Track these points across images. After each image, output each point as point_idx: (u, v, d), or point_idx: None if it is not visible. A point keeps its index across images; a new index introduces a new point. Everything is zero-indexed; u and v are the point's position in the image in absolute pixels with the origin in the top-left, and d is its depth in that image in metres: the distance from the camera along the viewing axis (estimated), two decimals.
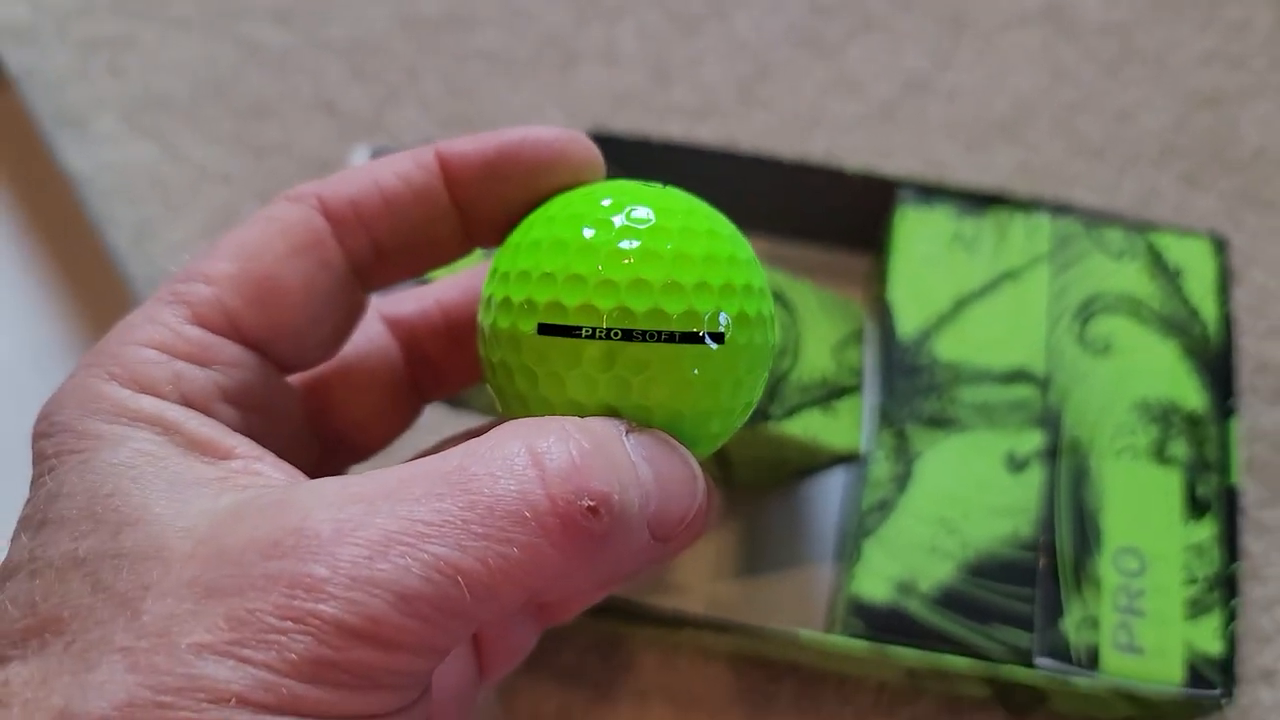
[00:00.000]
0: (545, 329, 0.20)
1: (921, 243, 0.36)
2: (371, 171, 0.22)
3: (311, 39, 0.46)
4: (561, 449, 0.18)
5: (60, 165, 0.43)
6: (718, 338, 0.20)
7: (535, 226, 0.22)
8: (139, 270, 0.42)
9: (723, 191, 0.39)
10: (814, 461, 0.34)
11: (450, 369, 0.26)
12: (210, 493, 0.18)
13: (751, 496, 0.36)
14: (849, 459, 0.33)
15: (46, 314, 0.42)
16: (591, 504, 0.18)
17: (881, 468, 0.32)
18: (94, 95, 0.45)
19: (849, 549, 0.32)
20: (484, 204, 0.22)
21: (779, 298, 0.34)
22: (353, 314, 0.23)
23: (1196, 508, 0.32)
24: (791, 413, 0.33)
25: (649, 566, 0.20)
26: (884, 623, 0.31)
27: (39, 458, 0.19)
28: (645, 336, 0.20)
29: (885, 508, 0.32)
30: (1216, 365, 0.34)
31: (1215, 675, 0.30)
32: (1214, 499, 0.32)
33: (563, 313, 0.20)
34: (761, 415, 0.32)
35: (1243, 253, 0.41)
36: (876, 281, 0.37)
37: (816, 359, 0.34)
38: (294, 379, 0.24)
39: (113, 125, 0.44)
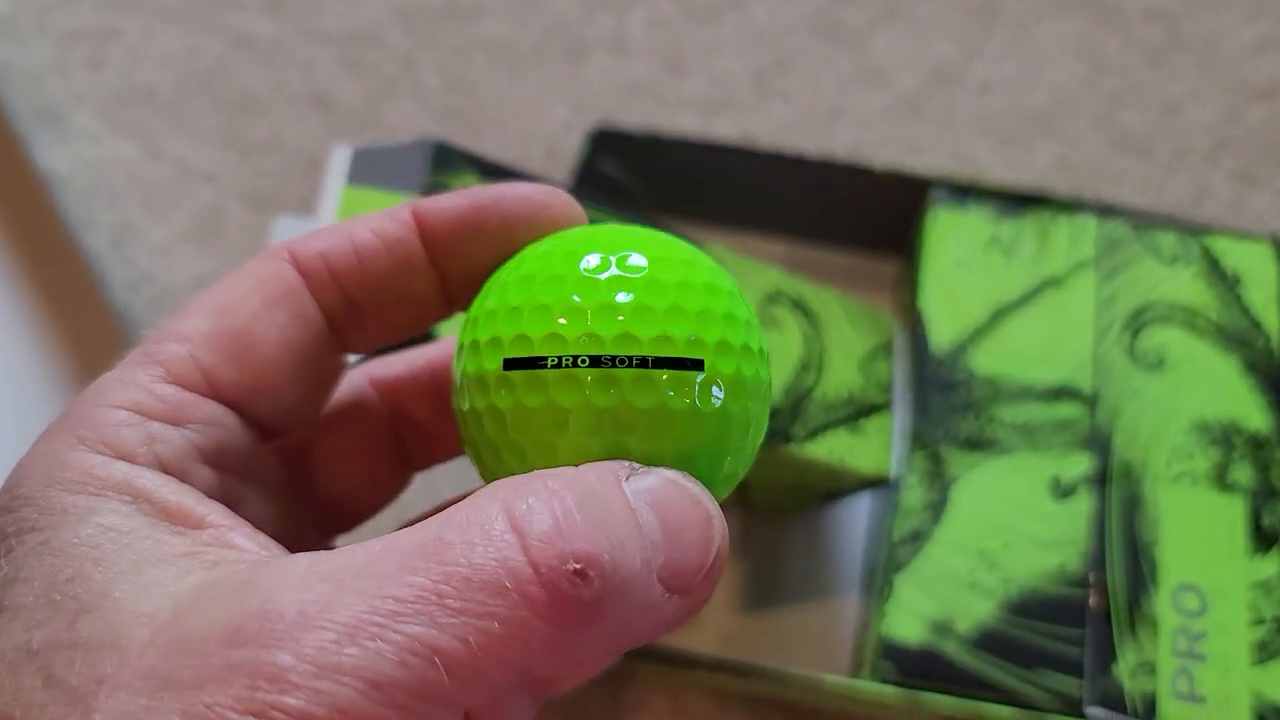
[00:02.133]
0: (511, 364, 0.19)
1: (956, 247, 0.33)
2: (346, 226, 0.22)
3: (302, 29, 0.43)
4: (542, 508, 0.16)
5: (36, 164, 0.41)
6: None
7: (521, 264, 0.20)
8: (118, 274, 0.39)
9: (740, 191, 0.37)
10: (839, 486, 0.31)
11: (441, 434, 0.25)
12: (176, 571, 0.17)
13: (771, 522, 0.33)
14: (878, 483, 0.31)
15: (20, 320, 0.40)
16: (578, 567, 0.16)
17: (914, 494, 0.30)
18: (72, 90, 0.42)
19: (878, 583, 0.30)
20: (461, 261, 0.21)
21: (800, 306, 0.31)
22: (330, 374, 0.23)
23: (1263, 539, 0.29)
24: (815, 433, 0.30)
25: (671, 625, 0.18)
26: (917, 667, 0.28)
27: (0, 536, 0.18)
28: (630, 362, 0.18)
29: (918, 538, 0.29)
30: None
31: None
32: None
33: (528, 344, 0.19)
34: (783, 436, 0.30)
35: None
36: (907, 289, 0.34)
37: (842, 374, 0.31)
38: (274, 446, 0.23)
39: (91, 122, 0.42)
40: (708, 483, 0.19)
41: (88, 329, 0.40)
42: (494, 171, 0.31)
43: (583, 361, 0.18)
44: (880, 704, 0.28)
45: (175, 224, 0.40)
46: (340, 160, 0.30)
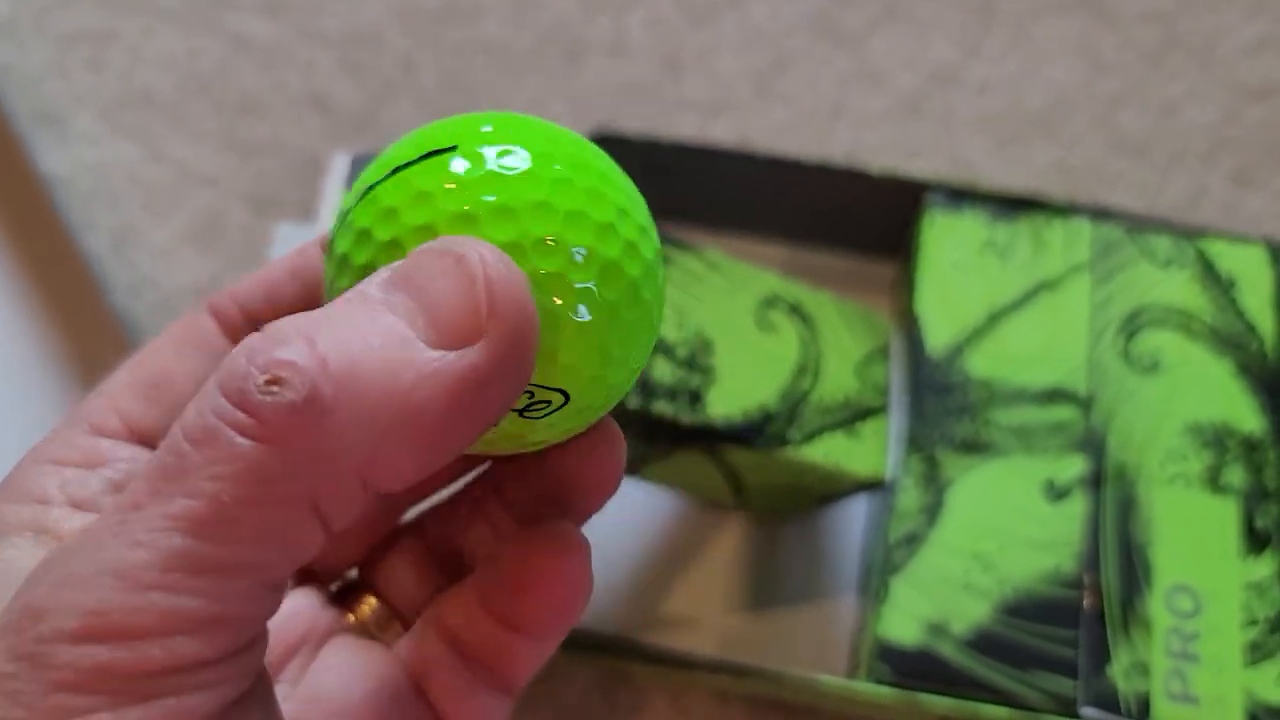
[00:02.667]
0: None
1: (952, 250, 0.33)
2: (261, 271, 0.22)
3: (302, 31, 0.43)
4: (239, 350, 0.15)
5: (36, 166, 0.41)
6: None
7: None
8: (119, 277, 0.39)
9: (737, 195, 0.37)
10: (836, 489, 0.31)
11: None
12: None
13: (768, 525, 0.34)
14: (874, 486, 0.31)
15: (21, 323, 0.40)
16: (265, 376, 0.15)
17: (909, 497, 0.30)
18: (72, 92, 0.42)
19: (874, 586, 0.30)
20: None
21: (796, 311, 0.32)
22: None
23: (1256, 541, 0.29)
24: (811, 436, 0.30)
25: (482, 377, 0.16)
26: (913, 668, 0.28)
27: None
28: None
29: (914, 541, 0.29)
30: (1275, 384, 0.31)
31: None
32: (1275, 531, 0.29)
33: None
34: (780, 439, 0.30)
35: None
36: (903, 292, 0.34)
37: (838, 377, 0.31)
38: None
39: (92, 124, 0.42)
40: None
41: (89, 332, 0.40)
42: None
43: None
44: (877, 704, 0.29)
45: (176, 226, 0.40)
46: (339, 166, 0.30)
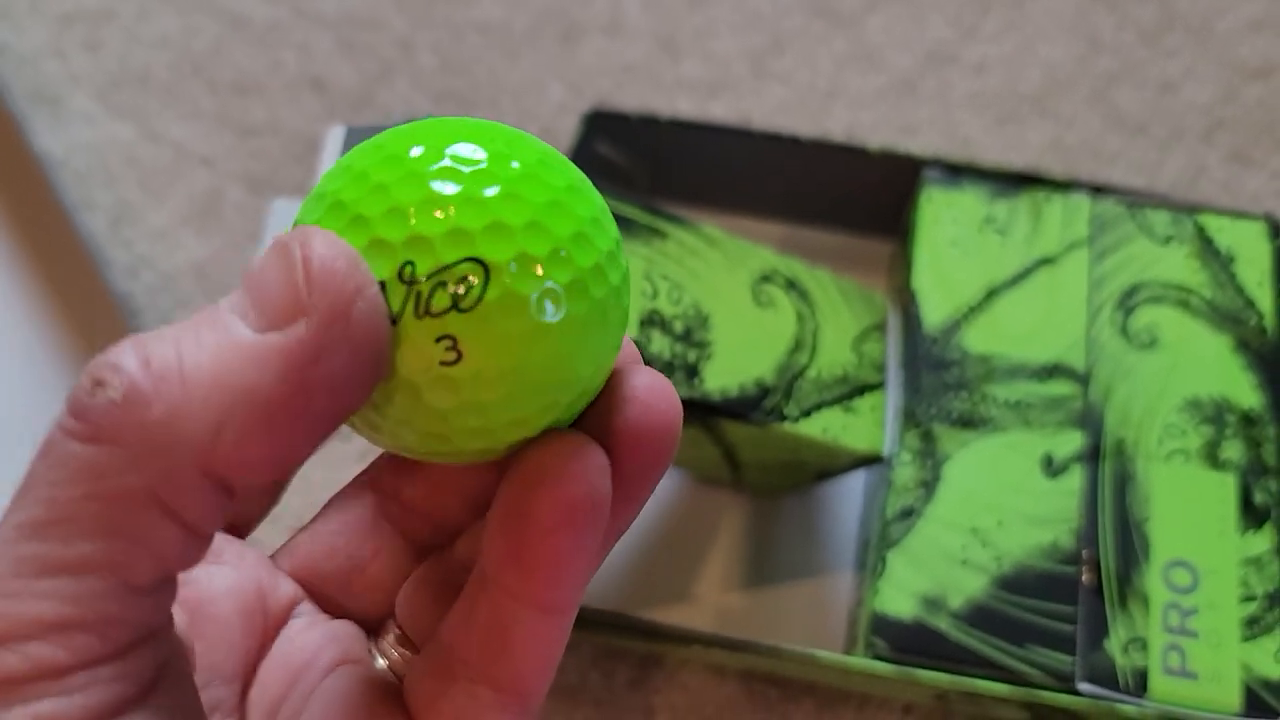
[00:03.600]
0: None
1: (949, 226, 0.33)
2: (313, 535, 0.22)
3: (298, 11, 0.43)
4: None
5: (33, 146, 0.41)
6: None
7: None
8: (117, 256, 0.39)
9: (735, 172, 0.37)
10: (833, 464, 0.31)
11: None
12: None
13: (765, 501, 0.34)
14: (871, 461, 0.31)
15: (19, 303, 0.40)
16: (94, 378, 0.15)
17: (906, 471, 0.30)
18: (68, 72, 0.42)
19: (871, 560, 0.30)
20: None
21: (794, 286, 0.32)
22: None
23: (1253, 516, 0.29)
24: (809, 412, 0.30)
25: (309, 356, 0.16)
26: (910, 642, 0.28)
27: None
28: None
29: (911, 515, 0.29)
30: (1273, 359, 0.31)
31: (1276, 701, 0.27)
32: (1273, 506, 0.29)
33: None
34: (777, 415, 0.30)
35: None
36: (901, 269, 0.34)
37: (836, 353, 0.31)
38: None
39: (88, 104, 0.42)
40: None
41: (87, 312, 0.40)
42: None
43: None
44: (873, 679, 0.29)
45: (174, 207, 0.40)
46: (335, 140, 0.30)
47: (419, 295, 0.16)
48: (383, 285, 0.16)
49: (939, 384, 0.31)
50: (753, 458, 0.32)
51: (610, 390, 0.18)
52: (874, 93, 0.41)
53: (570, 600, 0.18)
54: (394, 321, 0.16)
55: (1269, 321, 0.31)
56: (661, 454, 0.18)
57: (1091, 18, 0.42)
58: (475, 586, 0.18)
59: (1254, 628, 0.28)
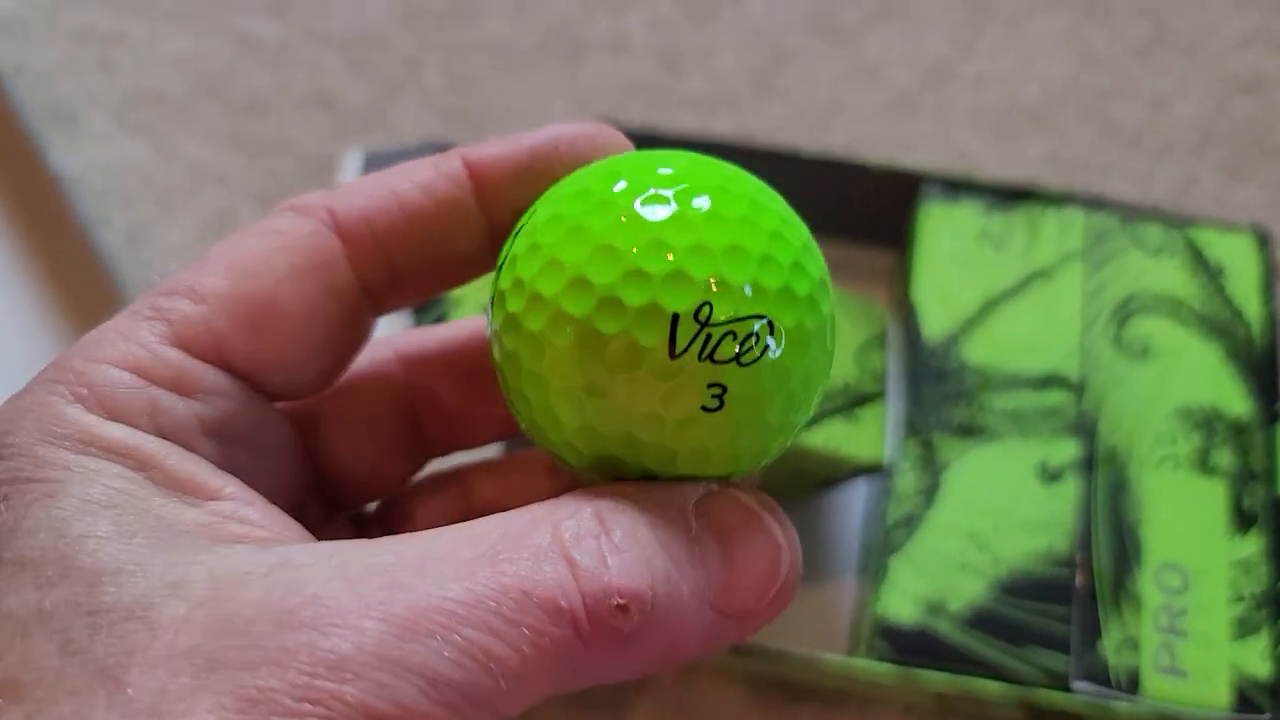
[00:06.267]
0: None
1: (947, 240, 0.34)
2: (388, 181, 0.20)
3: (308, 32, 0.44)
4: (591, 542, 0.16)
5: (49, 165, 0.42)
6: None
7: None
8: (132, 275, 0.40)
9: None
10: (836, 473, 0.32)
11: (467, 420, 0.23)
12: (200, 543, 0.16)
13: None
14: (873, 470, 0.32)
15: (35, 322, 0.41)
16: (621, 602, 0.16)
17: (907, 480, 0.31)
18: (84, 92, 0.43)
19: (874, 566, 0.31)
20: (515, 215, 0.19)
21: None
22: (356, 344, 0.21)
23: (1242, 521, 0.30)
24: (812, 422, 0.31)
25: (725, 645, 0.18)
26: (911, 645, 0.29)
27: None
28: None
29: (912, 523, 0.30)
30: (1262, 369, 0.32)
31: (1263, 699, 0.28)
32: (1261, 511, 0.30)
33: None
34: None
35: None
36: (900, 281, 0.35)
37: (837, 364, 0.32)
38: (280, 407, 0.21)
39: (103, 123, 0.43)
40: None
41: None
42: None
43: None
44: (876, 682, 0.29)
45: (188, 225, 0.41)
46: (353, 163, 0.31)
47: (708, 338, 0.17)
48: (676, 318, 0.17)
49: (938, 394, 0.32)
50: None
51: None
52: (874, 109, 0.42)
53: None
54: (674, 356, 0.17)
55: (1257, 331, 0.32)
56: None
57: (1085, 35, 0.43)
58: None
59: (1242, 628, 0.29)
